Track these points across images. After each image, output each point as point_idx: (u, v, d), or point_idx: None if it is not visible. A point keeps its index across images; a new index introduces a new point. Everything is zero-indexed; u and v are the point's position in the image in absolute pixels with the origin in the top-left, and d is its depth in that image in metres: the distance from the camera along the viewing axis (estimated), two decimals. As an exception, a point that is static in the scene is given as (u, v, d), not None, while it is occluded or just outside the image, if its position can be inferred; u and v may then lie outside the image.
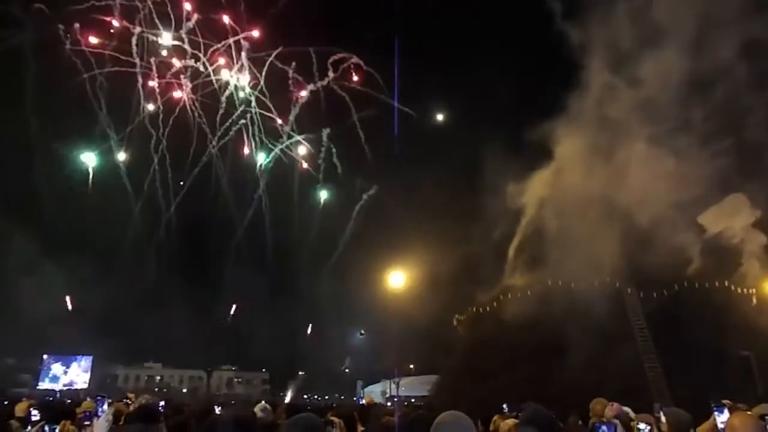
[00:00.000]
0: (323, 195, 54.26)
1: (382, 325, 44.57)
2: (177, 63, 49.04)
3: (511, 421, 5.50)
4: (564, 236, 26.08)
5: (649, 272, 24.02)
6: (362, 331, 50.25)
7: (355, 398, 59.04)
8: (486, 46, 48.10)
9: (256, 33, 49.31)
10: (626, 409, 5.78)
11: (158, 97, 48.86)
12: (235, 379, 68.43)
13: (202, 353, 55.04)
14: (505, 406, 7.62)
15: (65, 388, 51.76)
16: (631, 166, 26.30)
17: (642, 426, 5.00)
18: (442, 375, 31.89)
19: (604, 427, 4.48)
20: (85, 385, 53.21)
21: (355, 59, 49.79)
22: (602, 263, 24.21)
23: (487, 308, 29.30)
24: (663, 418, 5.70)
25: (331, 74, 50.31)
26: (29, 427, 7.12)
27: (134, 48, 47.08)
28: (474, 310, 30.72)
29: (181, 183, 49.42)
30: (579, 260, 24.53)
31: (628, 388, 16.57)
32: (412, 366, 55.83)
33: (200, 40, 48.83)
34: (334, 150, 53.54)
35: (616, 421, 4.84)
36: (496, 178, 31.07)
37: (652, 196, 24.76)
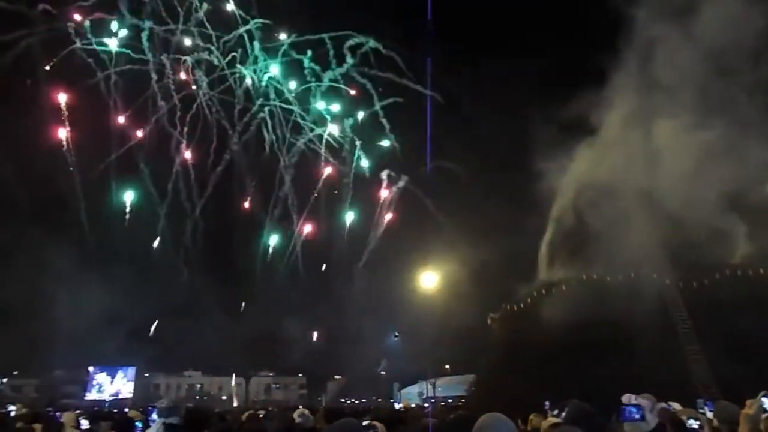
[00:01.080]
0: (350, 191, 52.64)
1: (416, 325, 44.37)
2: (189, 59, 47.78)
3: (552, 420, 5.40)
4: (599, 225, 25.29)
5: (688, 260, 23.28)
6: (397, 333, 50.24)
7: (392, 400, 59.07)
8: (517, 15, 45.70)
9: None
10: (673, 404, 5.61)
11: (173, 94, 48.19)
12: (273, 385, 69.28)
13: (239, 360, 55.78)
14: (547, 403, 7.48)
15: (111, 399, 53.41)
16: (673, 142, 24.74)
17: (691, 421, 4.86)
18: (478, 374, 31.62)
19: (631, 408, 4.43)
20: (130, 395, 54.79)
21: (372, 43, 47.96)
22: (639, 253, 23.51)
23: (521, 305, 28.88)
24: (709, 414, 5.51)
25: (349, 60, 48.55)
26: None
27: (145, 45, 46.40)
28: (508, 307, 30.33)
29: (202, 198, 49.50)
30: (615, 251, 23.89)
31: (671, 382, 16.11)
32: (447, 366, 55.43)
33: (211, 32, 47.55)
34: (358, 142, 52.36)
35: (644, 402, 4.71)
36: (531, 163, 29.51)
37: (695, 176, 23.28)
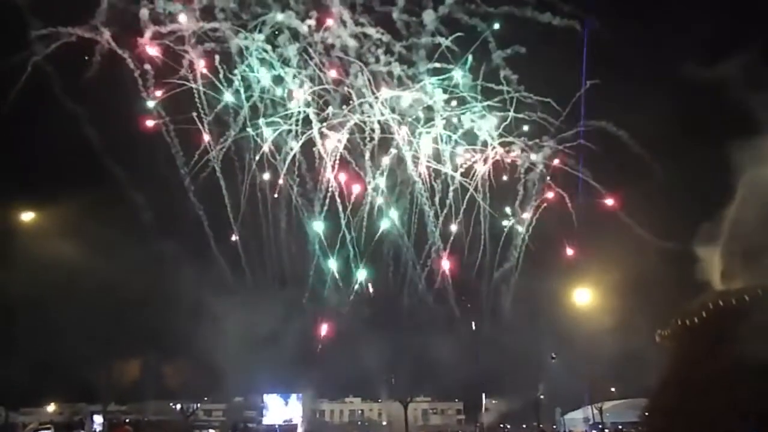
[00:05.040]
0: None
1: (575, 345, 41.79)
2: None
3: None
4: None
5: None
6: (554, 354, 47.78)
7: (554, 426, 56.19)
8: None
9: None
10: None
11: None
12: (430, 410, 69.72)
13: (397, 385, 57.06)
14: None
15: (284, 423, 58.40)
16: None
17: None
18: (652, 398, 28.85)
19: None
20: (300, 420, 59.34)
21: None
22: None
23: (695, 319, 26.02)
24: None
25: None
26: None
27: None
28: (679, 322, 27.48)
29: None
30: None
31: None
32: (613, 389, 51.55)
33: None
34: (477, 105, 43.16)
35: None
36: (717, 130, 25.66)
37: None
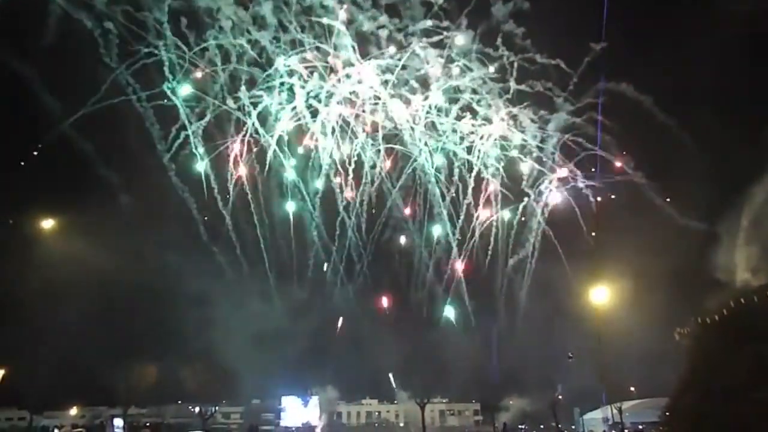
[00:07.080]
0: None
1: (592, 344, 41.27)
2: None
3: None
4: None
5: None
6: (571, 354, 47.26)
7: (573, 426, 55.69)
8: None
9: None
10: None
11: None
12: (447, 411, 69.42)
13: (413, 386, 56.89)
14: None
15: (302, 425, 58.71)
16: None
17: None
18: (674, 398, 28.35)
19: None
20: (318, 422, 59.60)
21: None
22: None
23: (716, 317, 25.53)
24: None
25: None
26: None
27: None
28: (699, 320, 26.97)
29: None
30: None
31: None
32: (633, 388, 50.88)
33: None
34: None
35: None
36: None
37: None
